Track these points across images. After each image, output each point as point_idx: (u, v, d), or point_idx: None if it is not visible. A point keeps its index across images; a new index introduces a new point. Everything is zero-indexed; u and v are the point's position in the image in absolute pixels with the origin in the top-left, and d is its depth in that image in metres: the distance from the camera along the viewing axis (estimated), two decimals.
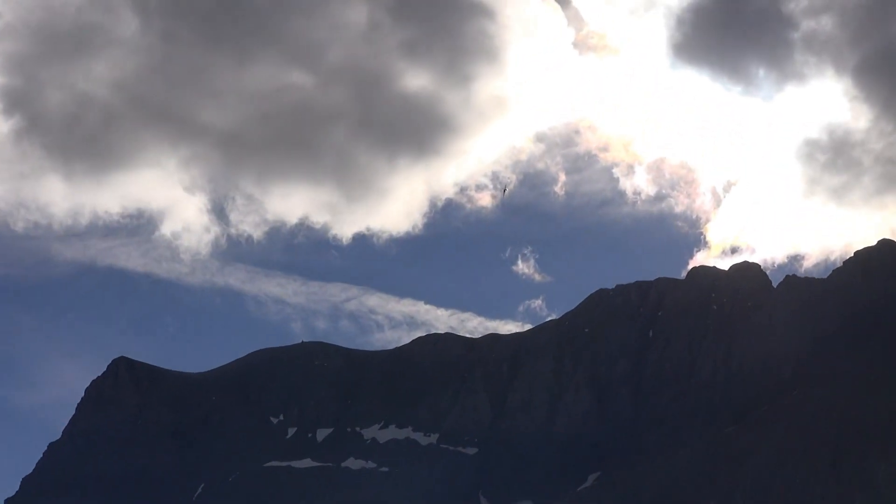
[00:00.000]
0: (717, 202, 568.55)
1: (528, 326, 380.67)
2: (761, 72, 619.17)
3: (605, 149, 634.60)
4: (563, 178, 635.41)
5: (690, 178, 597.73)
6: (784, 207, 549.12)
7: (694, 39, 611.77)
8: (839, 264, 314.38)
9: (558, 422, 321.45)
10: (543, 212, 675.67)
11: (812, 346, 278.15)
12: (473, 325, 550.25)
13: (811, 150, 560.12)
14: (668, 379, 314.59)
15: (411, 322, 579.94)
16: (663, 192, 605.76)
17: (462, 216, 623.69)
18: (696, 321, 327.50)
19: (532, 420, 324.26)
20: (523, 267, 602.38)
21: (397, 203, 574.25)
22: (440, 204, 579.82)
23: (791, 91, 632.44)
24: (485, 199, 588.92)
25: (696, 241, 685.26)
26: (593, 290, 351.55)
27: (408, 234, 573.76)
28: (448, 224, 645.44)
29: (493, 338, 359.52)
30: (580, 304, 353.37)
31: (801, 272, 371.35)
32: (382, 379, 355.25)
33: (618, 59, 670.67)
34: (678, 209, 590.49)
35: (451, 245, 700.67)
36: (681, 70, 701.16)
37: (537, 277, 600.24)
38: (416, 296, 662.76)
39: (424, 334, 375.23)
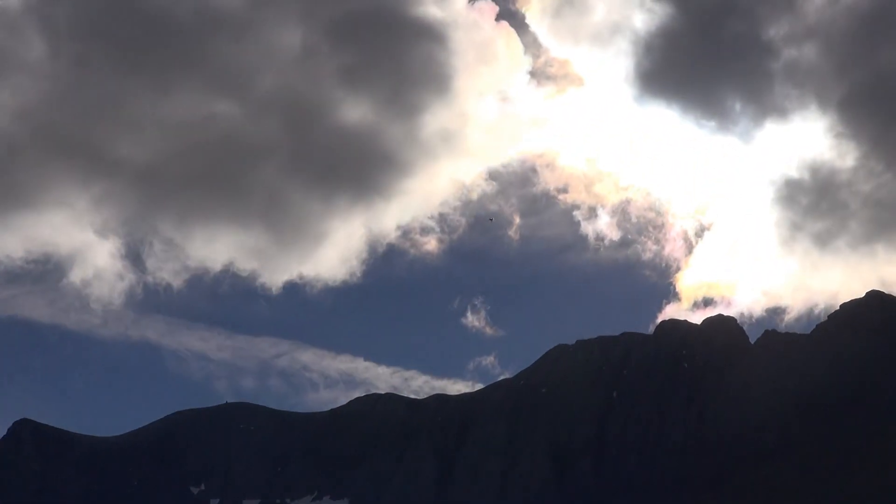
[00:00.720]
0: (689, 249, 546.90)
1: (479, 386, 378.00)
2: (738, 105, 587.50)
3: (564, 189, 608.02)
4: (518, 220, 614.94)
5: (659, 223, 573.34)
6: (763, 255, 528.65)
7: (664, 69, 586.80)
8: (823, 318, 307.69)
9: (512, 492, 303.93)
10: (496, 258, 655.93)
11: (794, 409, 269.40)
12: (418, 385, 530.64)
13: (792, 191, 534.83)
14: (634, 445, 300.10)
15: (349, 381, 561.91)
16: (629, 237, 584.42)
17: (406, 263, 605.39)
18: (666, 381, 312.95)
19: (483, 490, 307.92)
20: (474, 319, 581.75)
21: (334, 248, 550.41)
22: (381, 249, 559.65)
23: (770, 127, 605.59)
24: (431, 244, 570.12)
25: (666, 291, 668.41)
26: (551, 346, 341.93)
27: (345, 282, 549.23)
28: (390, 271, 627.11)
29: (441, 399, 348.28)
30: (537, 361, 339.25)
31: (781, 327, 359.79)
32: (316, 444, 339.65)
33: (580, 90, 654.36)
34: (646, 256, 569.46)
35: (394, 295, 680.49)
36: (649, 103, 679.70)
37: (489, 331, 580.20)
38: (355, 351, 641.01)
39: (364, 394, 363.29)
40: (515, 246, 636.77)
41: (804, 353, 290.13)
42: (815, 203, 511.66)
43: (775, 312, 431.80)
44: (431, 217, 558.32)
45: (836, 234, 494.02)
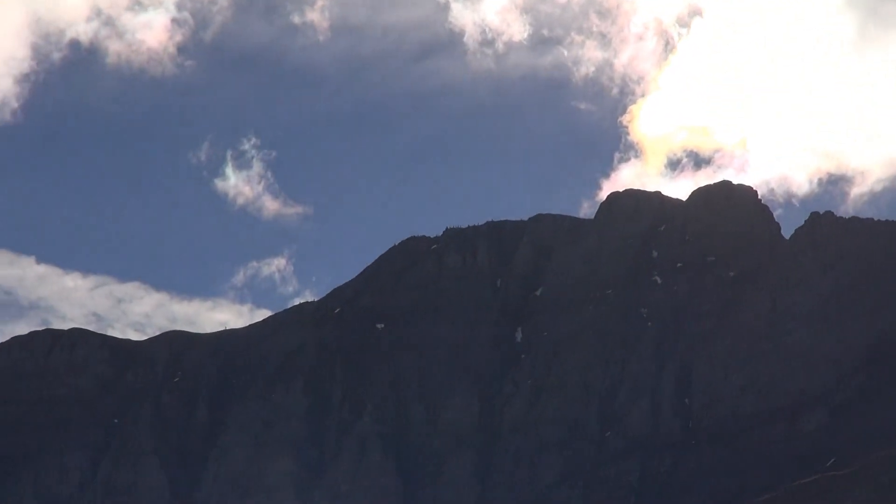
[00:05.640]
0: (665, 55, 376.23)
1: (260, 316, 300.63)
2: None
3: None
4: None
5: (609, 6, 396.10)
6: (808, 75, 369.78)
7: None
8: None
9: None
10: (289, 67, 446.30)
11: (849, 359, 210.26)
12: (142, 311, 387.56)
13: None
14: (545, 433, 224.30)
15: (9, 303, 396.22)
16: (546, 33, 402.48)
17: (110, 76, 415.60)
18: (618, 310, 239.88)
19: None
20: (241, 184, 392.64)
21: None
22: (60, 51, 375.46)
23: None
24: (159, 37, 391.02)
25: (615, 139, 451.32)
26: (398, 240, 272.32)
27: None
28: (78, 95, 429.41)
29: (183, 340, 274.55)
30: (368, 268, 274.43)
31: (843, 208, 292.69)
32: None
33: None
34: (580, 71, 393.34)
35: (87, 140, 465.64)
36: None
37: (273, 208, 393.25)
38: (19, 246, 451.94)
39: (37, 330, 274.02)
40: (325, 45, 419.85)
41: (881, 253, 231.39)
42: None
43: (832, 182, 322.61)
44: None
45: None
